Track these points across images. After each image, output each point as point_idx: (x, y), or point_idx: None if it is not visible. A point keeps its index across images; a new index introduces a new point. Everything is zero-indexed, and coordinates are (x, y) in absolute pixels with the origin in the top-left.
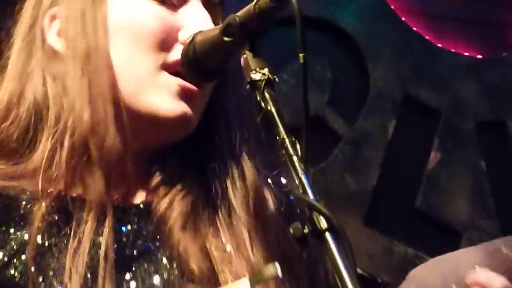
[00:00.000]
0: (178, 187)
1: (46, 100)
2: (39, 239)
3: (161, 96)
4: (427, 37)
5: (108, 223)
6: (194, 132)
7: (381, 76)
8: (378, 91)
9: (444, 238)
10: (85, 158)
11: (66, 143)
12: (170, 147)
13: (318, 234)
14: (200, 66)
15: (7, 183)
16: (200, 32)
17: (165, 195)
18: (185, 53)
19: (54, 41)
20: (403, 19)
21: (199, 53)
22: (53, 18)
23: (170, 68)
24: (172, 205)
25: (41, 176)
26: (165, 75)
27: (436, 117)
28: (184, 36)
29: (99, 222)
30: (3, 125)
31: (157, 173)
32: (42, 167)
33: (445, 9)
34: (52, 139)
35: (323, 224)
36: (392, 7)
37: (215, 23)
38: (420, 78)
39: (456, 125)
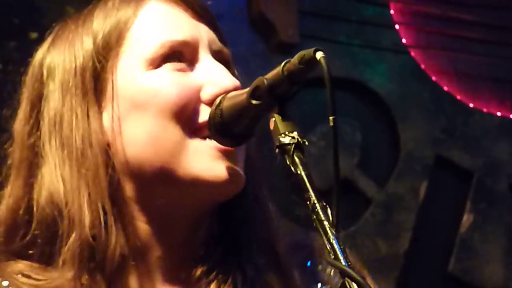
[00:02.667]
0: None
1: (57, 205)
2: None
3: (201, 161)
4: (458, 97)
5: None
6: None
7: (411, 137)
8: (409, 152)
9: None
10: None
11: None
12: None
13: None
14: (228, 130)
15: None
16: (226, 95)
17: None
18: (212, 117)
19: (57, 140)
20: (433, 78)
21: (227, 117)
22: (50, 115)
23: (200, 132)
24: None
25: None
26: (196, 141)
27: (468, 178)
28: (206, 95)
29: None
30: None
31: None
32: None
33: (477, 68)
34: (64, 250)
35: None
36: (423, 66)
37: None
38: (452, 139)
39: (489, 186)
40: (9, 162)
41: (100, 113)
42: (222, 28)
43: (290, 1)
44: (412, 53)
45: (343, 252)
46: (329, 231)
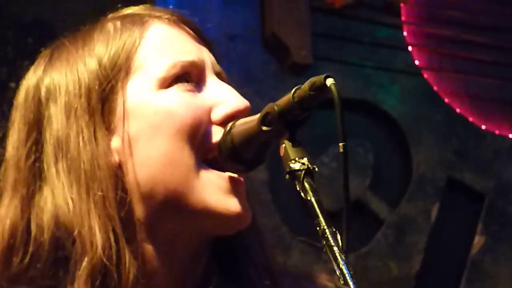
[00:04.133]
0: None
1: (65, 227)
2: None
3: (215, 192)
4: (471, 119)
5: None
6: None
7: (424, 159)
8: (421, 174)
9: None
10: None
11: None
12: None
13: None
14: (238, 155)
15: None
16: (236, 121)
17: None
18: (223, 143)
19: (63, 162)
20: (446, 100)
21: (237, 143)
22: (53, 137)
23: (211, 153)
24: None
25: None
26: (209, 172)
27: (480, 201)
28: (217, 115)
29: None
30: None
31: None
32: None
33: (489, 91)
34: (78, 273)
35: None
36: (435, 88)
37: None
38: (464, 161)
39: (500, 208)
40: (0, 184)
41: (108, 134)
42: (235, 49)
43: (303, 22)
44: (425, 75)
45: (353, 277)
46: (338, 257)
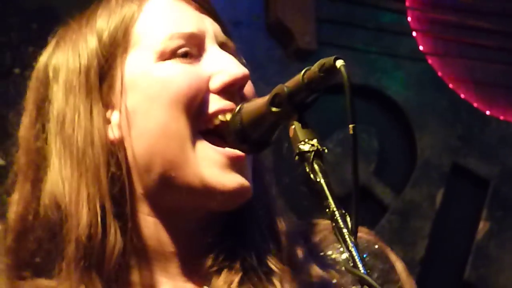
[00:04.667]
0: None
1: (62, 210)
2: None
3: (211, 167)
4: (475, 105)
5: None
6: None
7: (428, 144)
8: (426, 160)
9: None
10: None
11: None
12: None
13: None
14: (247, 136)
15: None
16: (246, 102)
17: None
18: (232, 124)
19: (63, 140)
20: (450, 86)
21: (246, 124)
22: (54, 115)
23: (210, 123)
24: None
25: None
26: (205, 145)
27: (484, 186)
28: (216, 84)
29: None
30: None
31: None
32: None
33: (494, 76)
34: (69, 254)
35: None
36: (440, 74)
37: None
38: (468, 147)
39: (505, 194)
40: (15, 168)
41: (105, 111)
42: (239, 34)
43: (307, 8)
44: (429, 61)
45: (362, 259)
46: (348, 239)
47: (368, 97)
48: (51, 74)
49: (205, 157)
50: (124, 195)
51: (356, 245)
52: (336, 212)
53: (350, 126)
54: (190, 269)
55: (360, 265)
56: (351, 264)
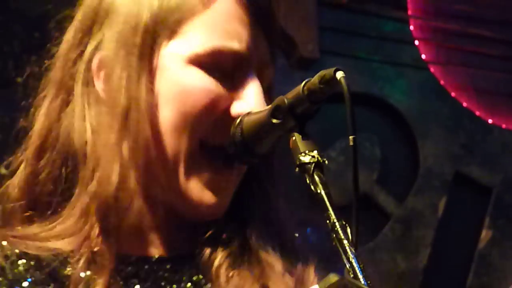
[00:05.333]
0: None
1: (83, 148)
2: None
3: (194, 182)
4: (477, 113)
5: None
6: None
7: (431, 153)
8: (428, 168)
9: None
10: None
11: (94, 206)
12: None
13: None
14: (248, 148)
15: (41, 244)
16: (248, 113)
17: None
18: (232, 136)
19: (99, 87)
20: (453, 94)
21: (246, 135)
22: (100, 62)
23: (214, 140)
24: (216, 252)
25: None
26: (204, 159)
27: (487, 194)
28: (234, 111)
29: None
30: (36, 169)
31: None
32: (76, 230)
33: (496, 85)
34: (83, 197)
35: None
36: (442, 82)
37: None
38: (471, 155)
39: (507, 202)
40: (47, 79)
41: (151, 81)
42: None
43: (310, 16)
44: (432, 69)
45: (363, 271)
46: (348, 250)
47: (370, 105)
48: (103, 10)
49: (195, 172)
50: (147, 168)
51: (356, 257)
52: (337, 223)
53: (350, 137)
54: (184, 238)
55: (360, 277)
56: (352, 276)
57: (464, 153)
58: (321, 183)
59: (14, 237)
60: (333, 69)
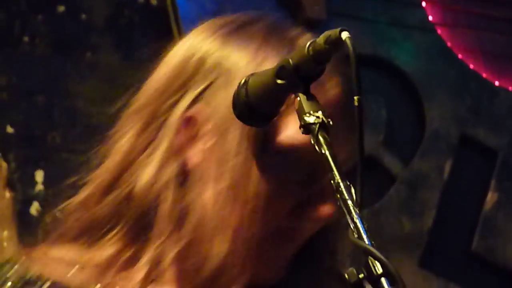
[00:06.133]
0: None
1: (158, 205)
2: None
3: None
4: (484, 76)
5: None
6: None
7: (437, 115)
8: (434, 130)
9: (501, 281)
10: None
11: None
12: None
13: (374, 280)
14: (252, 109)
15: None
16: (252, 74)
17: None
18: (237, 96)
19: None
20: (460, 57)
21: (251, 96)
22: (194, 119)
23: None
24: None
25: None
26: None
27: (493, 157)
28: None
29: None
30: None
31: None
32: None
33: (503, 47)
34: (158, 247)
35: (379, 269)
36: (449, 44)
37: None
38: (477, 118)
39: None
40: (131, 106)
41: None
42: (248, 4)
43: None
44: (439, 31)
45: (367, 231)
46: (352, 210)
47: (376, 67)
48: (210, 67)
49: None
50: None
51: (361, 217)
52: (341, 184)
53: (355, 98)
54: None
55: (365, 237)
56: (356, 236)
57: (471, 116)
58: (325, 143)
59: None
60: (339, 29)
